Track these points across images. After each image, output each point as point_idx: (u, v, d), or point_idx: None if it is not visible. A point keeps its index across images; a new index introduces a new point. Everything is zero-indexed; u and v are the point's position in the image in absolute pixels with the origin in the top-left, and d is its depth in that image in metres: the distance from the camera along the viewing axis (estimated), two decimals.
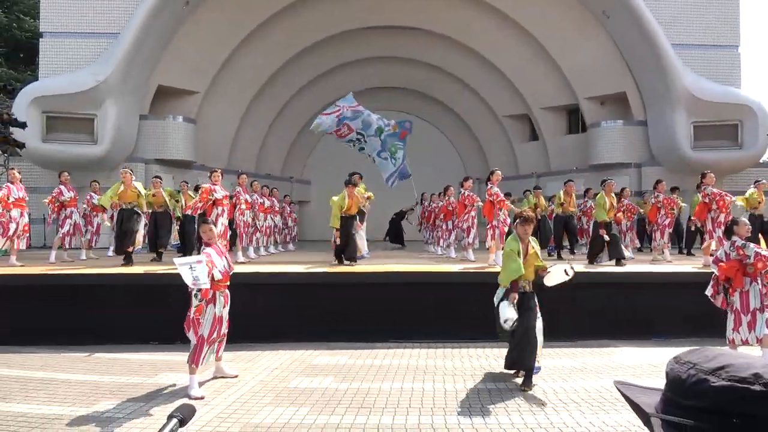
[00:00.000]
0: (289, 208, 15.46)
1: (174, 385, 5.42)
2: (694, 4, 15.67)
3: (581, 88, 17.05)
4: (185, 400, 4.51)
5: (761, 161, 15.81)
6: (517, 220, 5.63)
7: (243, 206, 10.64)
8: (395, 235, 16.48)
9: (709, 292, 5.75)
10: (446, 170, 19.72)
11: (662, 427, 0.70)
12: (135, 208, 9.46)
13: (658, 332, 7.53)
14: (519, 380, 5.49)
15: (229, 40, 16.56)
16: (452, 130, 22.18)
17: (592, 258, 9.55)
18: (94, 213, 11.46)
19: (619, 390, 0.82)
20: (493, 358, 6.49)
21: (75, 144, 14.09)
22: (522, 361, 5.40)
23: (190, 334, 5.17)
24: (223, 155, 17.65)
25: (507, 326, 5.18)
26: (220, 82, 17.10)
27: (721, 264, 5.56)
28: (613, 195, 9.98)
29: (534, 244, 5.63)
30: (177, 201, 11.42)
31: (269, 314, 7.46)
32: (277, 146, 20.73)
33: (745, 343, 5.53)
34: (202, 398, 4.91)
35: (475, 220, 10.62)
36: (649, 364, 6.22)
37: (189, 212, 9.55)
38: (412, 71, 20.03)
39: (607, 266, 9.01)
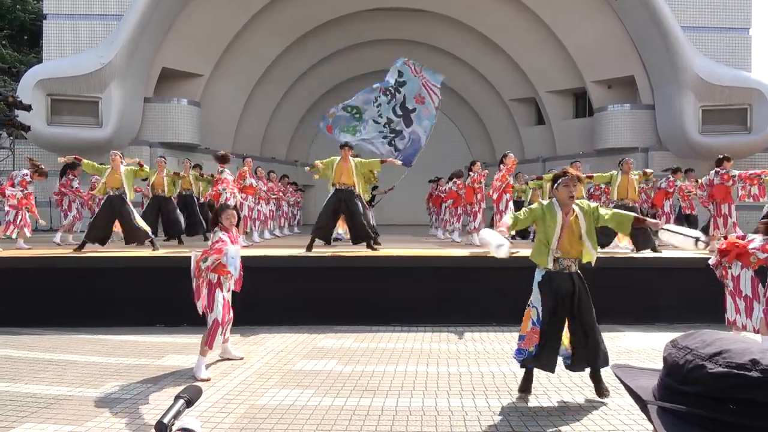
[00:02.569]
0: (290, 191, 15.44)
1: (180, 367, 5.48)
2: None
3: (588, 71, 16.87)
4: (192, 382, 4.57)
5: None
6: (559, 180, 4.28)
7: (245, 184, 10.60)
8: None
9: (712, 261, 5.54)
10: (451, 155, 19.63)
11: (658, 413, 0.71)
12: (123, 195, 8.85)
13: (662, 317, 7.54)
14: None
15: (234, 22, 16.45)
16: (457, 114, 22.03)
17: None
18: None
19: (617, 376, 0.82)
20: (497, 341, 6.52)
21: (80, 127, 14.10)
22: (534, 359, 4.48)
23: (207, 313, 5.22)
24: (227, 139, 17.64)
25: (501, 252, 3.90)
26: (225, 65, 17.02)
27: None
28: (634, 174, 9.08)
29: (581, 215, 4.27)
30: (179, 176, 11.36)
31: (274, 297, 7.51)
32: (282, 130, 20.70)
33: (744, 328, 5.48)
34: (208, 380, 4.97)
35: (483, 204, 10.56)
36: (653, 349, 6.24)
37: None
38: (418, 54, 19.83)
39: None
